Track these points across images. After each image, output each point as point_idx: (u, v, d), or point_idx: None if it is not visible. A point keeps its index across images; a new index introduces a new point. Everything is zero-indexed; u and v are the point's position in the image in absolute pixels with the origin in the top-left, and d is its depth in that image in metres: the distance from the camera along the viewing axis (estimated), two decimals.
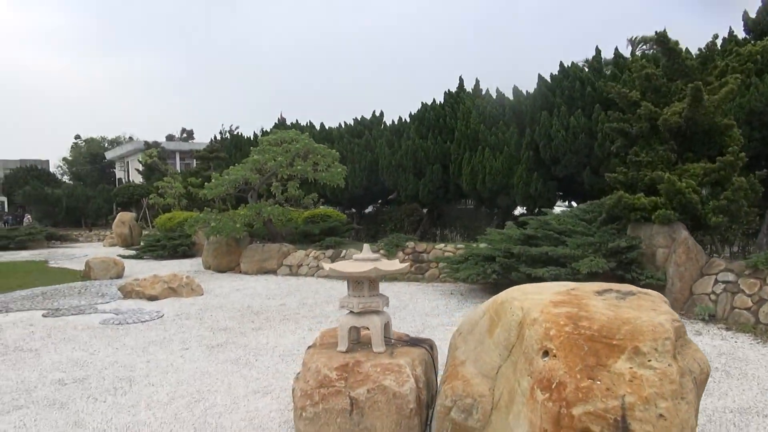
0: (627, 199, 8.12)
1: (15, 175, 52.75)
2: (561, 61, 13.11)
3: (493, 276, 8.95)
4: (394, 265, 4.19)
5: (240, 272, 13.56)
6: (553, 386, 2.75)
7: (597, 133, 11.45)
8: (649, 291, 3.42)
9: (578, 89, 12.08)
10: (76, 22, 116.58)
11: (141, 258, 18.22)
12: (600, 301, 3.19)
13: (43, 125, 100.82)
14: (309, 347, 4.44)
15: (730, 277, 7.47)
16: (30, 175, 51.46)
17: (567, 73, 12.72)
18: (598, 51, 12.90)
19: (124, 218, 23.33)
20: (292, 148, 13.02)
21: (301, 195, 14.86)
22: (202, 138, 71.51)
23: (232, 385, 5.21)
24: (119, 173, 59.31)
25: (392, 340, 4.26)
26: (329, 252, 12.71)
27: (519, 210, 15.65)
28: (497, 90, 14.34)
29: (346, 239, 13.83)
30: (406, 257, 11.81)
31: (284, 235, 14.17)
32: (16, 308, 9.67)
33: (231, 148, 21.86)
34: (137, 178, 46.32)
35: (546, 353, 2.89)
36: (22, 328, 8.07)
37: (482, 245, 10.49)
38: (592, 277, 7.18)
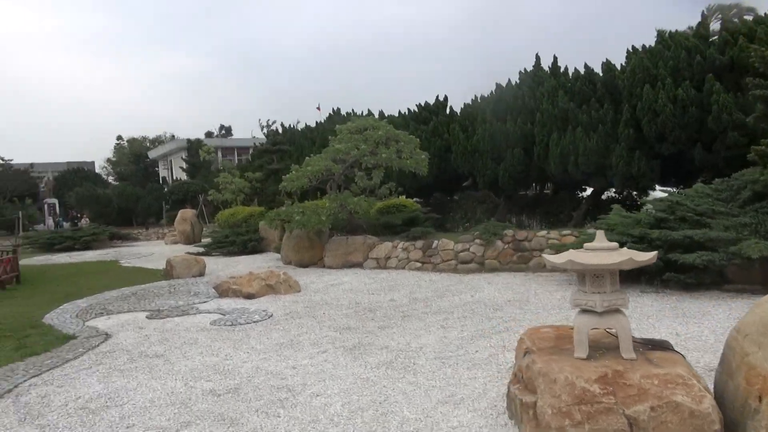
0: None
1: (64, 177, 53.85)
2: (659, 31, 12.20)
3: None
4: (646, 255, 3.53)
5: (324, 267, 13.10)
6: None
7: (711, 106, 10.53)
8: None
9: (684, 59, 11.16)
10: (110, 26, 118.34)
11: (209, 255, 17.95)
12: None
13: (86, 128, 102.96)
14: (526, 353, 3.85)
15: None
16: (78, 177, 52.46)
17: (668, 43, 11.79)
18: (704, 17, 11.93)
19: (185, 215, 23.18)
20: (373, 135, 12.45)
21: (376, 185, 14.27)
22: (239, 134, 71.98)
23: (408, 394, 4.65)
24: (163, 172, 59.97)
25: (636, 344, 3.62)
26: (419, 243, 12.11)
27: (607, 194, 14.81)
28: (585, 66, 13.49)
29: (430, 229, 13.21)
30: (506, 246, 11.14)
31: (365, 227, 13.64)
32: (116, 310, 9.36)
33: (301, 139, 21.38)
34: (181, 176, 46.67)
35: None
36: (133, 331, 7.71)
37: (597, 231, 9.75)
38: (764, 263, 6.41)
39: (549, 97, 13.80)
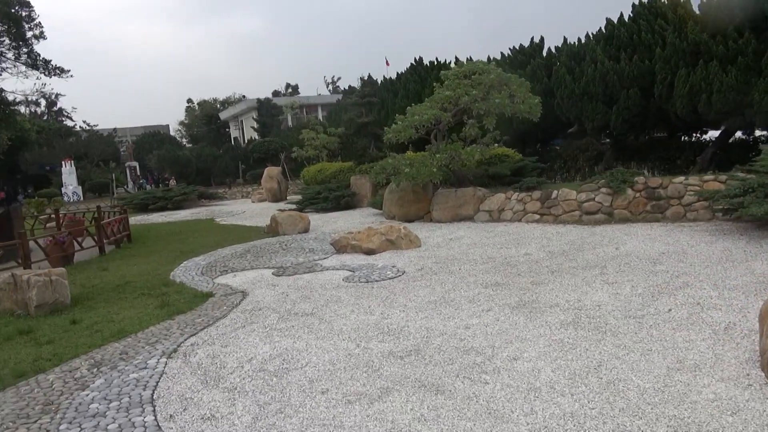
0: None
1: (142, 140, 55.69)
2: None
3: None
4: None
5: (431, 221, 12.60)
6: None
7: None
8: None
9: None
10: None
11: (302, 211, 17.84)
12: None
13: (160, 93, 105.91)
14: None
15: None
16: (155, 140, 54.09)
17: None
18: None
19: (272, 173, 23.21)
20: (484, 80, 11.63)
21: (479, 134, 13.46)
22: (305, 92, 71.87)
23: (623, 359, 4.10)
24: (234, 132, 60.90)
25: None
26: (536, 194, 11.36)
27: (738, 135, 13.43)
28: None
29: (544, 179, 12.41)
30: (637, 194, 10.23)
31: (471, 178, 12.98)
32: (239, 267, 9.24)
33: (383, 92, 20.71)
34: (253, 135, 47.08)
35: None
36: (267, 289, 7.51)
37: (748, 176, 8.75)
38: None
39: (675, 30, 12.44)
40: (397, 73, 24.77)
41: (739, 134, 13.68)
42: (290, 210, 17.10)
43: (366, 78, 25.84)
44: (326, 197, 17.58)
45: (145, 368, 4.79)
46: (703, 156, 13.47)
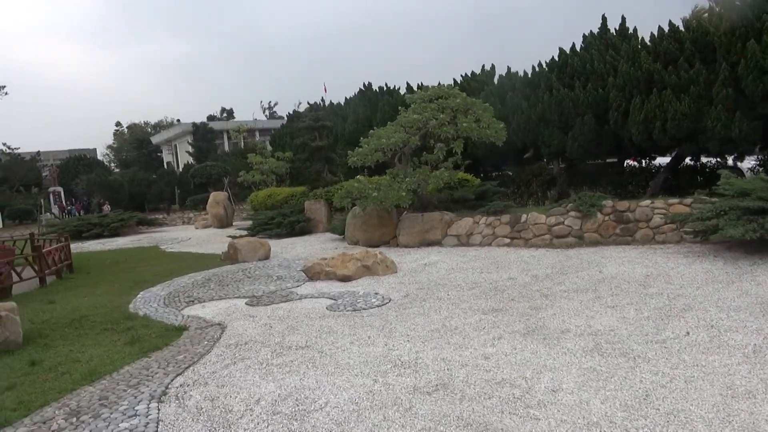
0: None
1: (67, 164, 52.64)
2: None
3: None
4: None
5: (398, 245, 12.31)
6: None
7: None
8: None
9: None
10: (104, 14, 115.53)
11: (254, 237, 17.13)
12: None
13: (85, 115, 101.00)
14: None
15: None
16: (81, 164, 51.24)
17: None
18: None
19: (218, 198, 22.27)
20: (451, 103, 11.59)
21: (440, 158, 13.39)
22: (242, 116, 70.58)
23: (668, 387, 3.92)
24: (167, 157, 58.79)
25: None
26: (505, 218, 11.32)
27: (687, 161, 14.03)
28: (670, 23, 12.60)
29: (511, 203, 12.44)
30: (606, 218, 10.38)
31: (436, 202, 12.84)
32: (206, 298, 8.59)
33: (330, 116, 20.39)
34: (188, 160, 45.50)
35: None
36: (245, 320, 6.95)
37: (712, 199, 9.06)
38: None
39: (629, 59, 12.92)
40: (346, 98, 24.69)
41: (687, 161, 14.28)
42: (242, 236, 16.38)
43: (313, 103, 25.56)
44: (280, 222, 16.98)
45: (136, 415, 4.18)
46: (655, 181, 13.96)
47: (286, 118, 31.89)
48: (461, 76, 19.13)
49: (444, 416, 3.75)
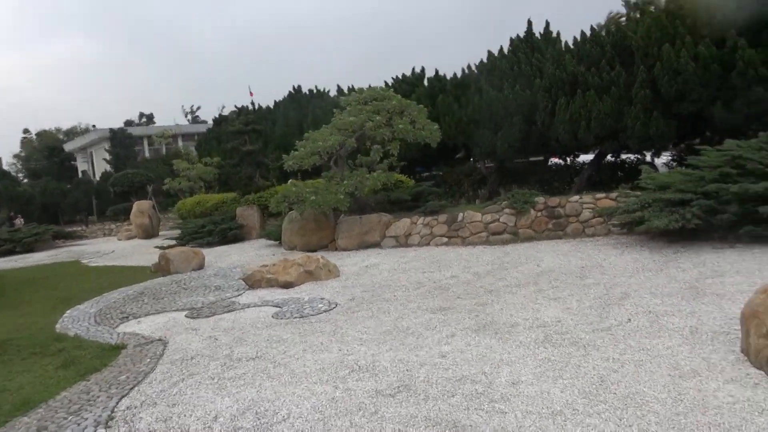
0: None
1: None
2: None
3: (694, 221, 8.03)
4: None
5: (336, 249, 12.21)
6: None
7: (736, 62, 10.56)
8: None
9: (703, 16, 11.13)
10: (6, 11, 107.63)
11: (185, 246, 16.50)
12: None
13: None
14: None
15: None
16: None
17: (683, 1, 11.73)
18: None
19: (142, 207, 21.25)
20: (386, 106, 11.65)
21: (375, 160, 13.44)
22: (162, 121, 67.82)
23: (621, 372, 4.09)
24: (82, 165, 55.69)
25: None
26: (442, 217, 11.49)
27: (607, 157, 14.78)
28: (592, 27, 13.27)
29: (446, 203, 12.65)
30: (539, 214, 10.76)
31: (372, 204, 12.86)
32: (140, 313, 8.18)
33: (259, 120, 20.03)
34: (105, 168, 43.27)
35: None
36: (188, 334, 6.68)
37: (635, 192, 9.60)
38: None
39: (554, 62, 13.48)
40: (275, 101, 24.32)
41: (608, 157, 15.07)
42: (171, 246, 15.74)
43: (241, 106, 24.95)
44: (211, 230, 16.44)
45: None
46: (580, 177, 14.63)
47: (211, 122, 31.00)
48: (392, 78, 19.29)
49: (411, 417, 3.74)
